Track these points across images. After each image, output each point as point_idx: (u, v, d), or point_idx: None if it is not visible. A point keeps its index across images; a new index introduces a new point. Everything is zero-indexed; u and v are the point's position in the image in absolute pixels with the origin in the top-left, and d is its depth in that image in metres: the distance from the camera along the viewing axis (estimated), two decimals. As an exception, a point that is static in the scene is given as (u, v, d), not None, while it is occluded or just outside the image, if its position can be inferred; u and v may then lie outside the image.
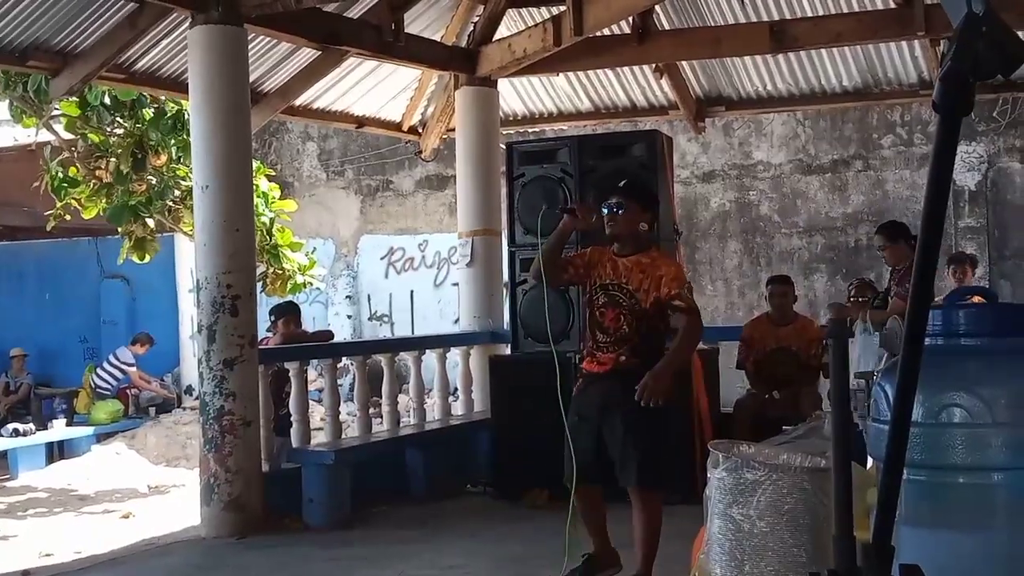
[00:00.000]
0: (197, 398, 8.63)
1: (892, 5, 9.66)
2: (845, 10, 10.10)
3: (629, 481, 5.55)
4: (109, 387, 15.65)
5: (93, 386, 15.51)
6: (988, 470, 2.75)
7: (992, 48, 1.44)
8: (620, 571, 5.81)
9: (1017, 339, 2.88)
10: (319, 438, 9.13)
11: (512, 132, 12.54)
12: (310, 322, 15.65)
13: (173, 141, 11.41)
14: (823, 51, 10.84)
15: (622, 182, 5.99)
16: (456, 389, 10.36)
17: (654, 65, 11.16)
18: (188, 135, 8.47)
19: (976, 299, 3.29)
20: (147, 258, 12.11)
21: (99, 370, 15.67)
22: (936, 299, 3.72)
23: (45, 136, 12.12)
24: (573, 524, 5.65)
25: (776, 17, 10.26)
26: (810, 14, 10.23)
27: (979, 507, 2.77)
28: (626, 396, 5.48)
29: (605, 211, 5.68)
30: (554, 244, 5.75)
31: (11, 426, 13.83)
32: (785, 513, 2.75)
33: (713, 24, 10.69)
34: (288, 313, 9.83)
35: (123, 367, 15.61)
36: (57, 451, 14.24)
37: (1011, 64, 1.47)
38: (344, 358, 10.23)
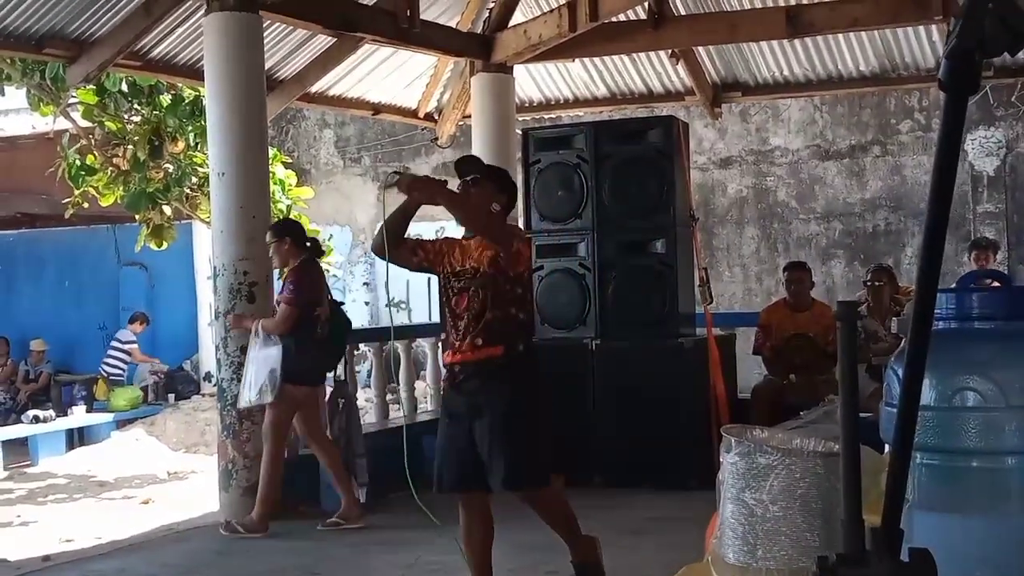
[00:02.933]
0: (215, 384, 8.65)
1: (909, -11, 9.61)
2: (862, -6, 10.03)
3: (498, 486, 5.26)
4: (120, 371, 15.78)
5: (105, 374, 15.63)
6: (1002, 454, 2.73)
7: (999, 25, 1.42)
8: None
9: (1030, 323, 2.87)
10: (337, 424, 9.14)
11: (528, 118, 12.52)
12: (327, 309, 15.68)
13: (190, 128, 11.46)
14: (840, 36, 10.77)
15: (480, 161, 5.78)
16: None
17: (670, 51, 11.12)
18: (205, 122, 8.48)
19: (989, 282, 3.27)
20: (165, 245, 12.18)
21: (107, 357, 15.82)
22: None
23: (63, 124, 12.19)
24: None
25: (792, 2, 10.20)
26: (827, -1, 10.18)
27: (993, 491, 2.75)
28: (489, 397, 5.20)
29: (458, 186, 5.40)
30: (396, 217, 5.30)
31: (31, 413, 13.95)
32: (798, 498, 2.75)
33: (729, 9, 10.64)
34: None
35: (125, 347, 15.79)
36: (77, 438, 14.35)
37: (1019, 42, 1.46)
38: (361, 344, 10.24)
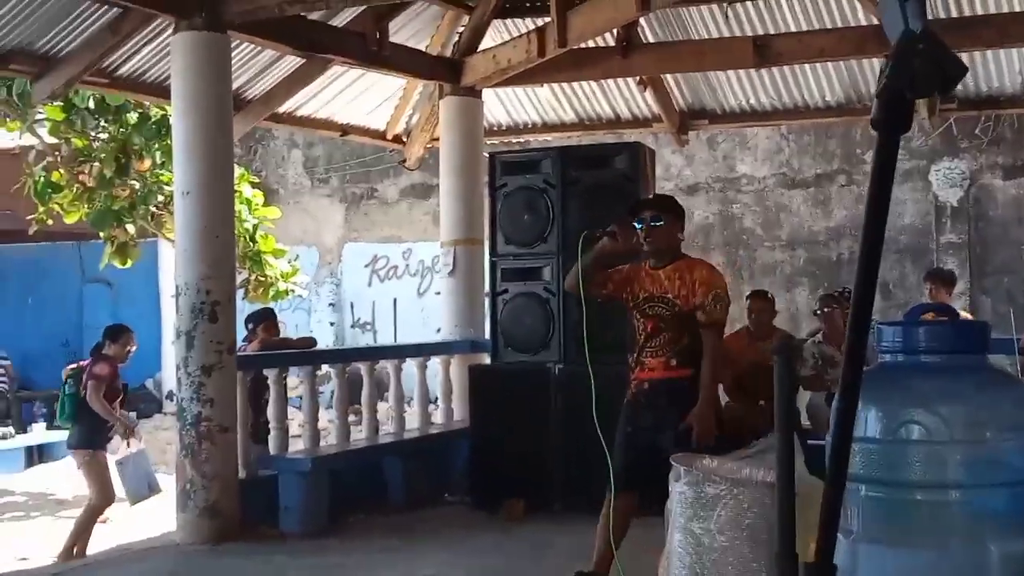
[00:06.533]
0: (177, 404, 8.62)
1: (875, 21, 9.69)
2: (828, 26, 10.13)
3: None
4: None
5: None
6: (946, 487, 2.76)
7: (929, 66, 1.45)
8: None
9: (976, 356, 2.89)
10: (298, 445, 9.12)
11: (497, 142, 12.54)
12: (293, 329, 15.66)
13: (157, 146, 11.43)
14: (806, 66, 10.87)
15: (651, 195, 6.13)
16: (437, 398, 10.35)
17: (638, 78, 11.19)
18: (172, 140, 8.47)
19: (933, 316, 3.31)
20: (129, 263, 12.12)
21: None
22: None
23: (29, 140, 12.11)
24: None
25: (760, 32, 10.29)
26: (793, 29, 10.27)
27: (937, 524, 2.78)
28: (673, 409, 5.65)
29: (639, 226, 5.73)
30: (592, 262, 5.79)
31: (-10, 429, 13.82)
32: (745, 528, 2.76)
33: (697, 38, 10.71)
34: (265, 320, 9.80)
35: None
36: (36, 455, 14.22)
37: (949, 82, 1.48)
38: (324, 365, 10.21)
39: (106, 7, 8.30)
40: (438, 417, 10.10)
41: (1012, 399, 2.91)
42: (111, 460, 9.24)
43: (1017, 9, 9.29)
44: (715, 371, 5.78)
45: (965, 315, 10.70)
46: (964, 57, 10.29)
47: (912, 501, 2.77)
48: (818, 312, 9.21)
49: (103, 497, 9.09)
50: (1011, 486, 2.84)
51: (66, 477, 12.62)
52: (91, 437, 9.10)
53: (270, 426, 8.55)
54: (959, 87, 10.98)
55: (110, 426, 9.17)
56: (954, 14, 9.62)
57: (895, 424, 2.71)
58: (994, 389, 2.88)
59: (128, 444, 9.09)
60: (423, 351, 10.20)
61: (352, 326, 16.94)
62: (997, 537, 2.76)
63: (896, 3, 1.48)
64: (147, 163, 11.45)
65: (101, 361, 9.04)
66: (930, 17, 9.57)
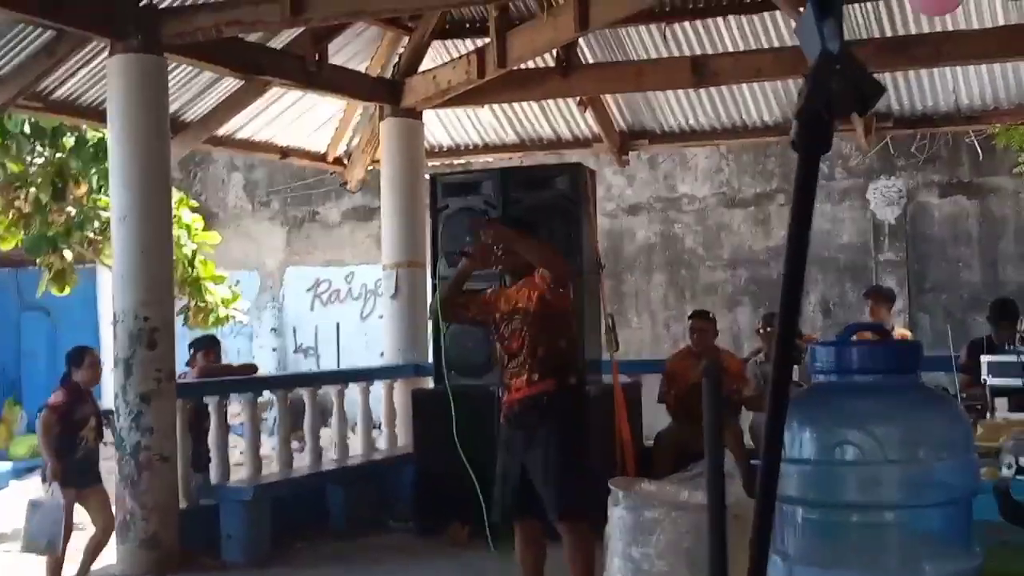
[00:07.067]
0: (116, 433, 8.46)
1: (811, 42, 9.79)
2: (765, 46, 10.21)
3: (552, 513, 5.56)
4: None
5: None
6: (880, 508, 2.76)
7: (847, 86, 1.45)
8: None
9: (909, 376, 2.90)
10: (240, 473, 9.01)
11: (438, 164, 12.52)
12: (234, 355, 15.48)
13: (94, 171, 11.28)
14: (744, 86, 10.95)
15: (512, 216, 6.13)
16: (380, 423, 10.28)
17: (578, 98, 11.23)
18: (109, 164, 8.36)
19: (867, 335, 3.32)
20: (67, 290, 11.94)
21: None
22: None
23: (-38, 166, 11.92)
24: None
25: (697, 52, 10.37)
26: (731, 49, 10.35)
27: (872, 545, 2.78)
28: (546, 430, 5.54)
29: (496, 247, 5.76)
30: (452, 285, 5.88)
31: (-75, 461, 13.52)
32: (684, 552, 2.75)
33: (636, 58, 10.77)
34: (206, 347, 9.66)
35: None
36: (-28, 486, 13.92)
37: (866, 102, 1.48)
38: (266, 392, 10.12)
39: (40, 29, 8.20)
40: (381, 442, 10.03)
41: (945, 418, 2.93)
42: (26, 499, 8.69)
43: (950, 29, 9.41)
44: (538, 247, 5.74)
45: (904, 333, 10.81)
46: (899, 76, 10.42)
47: (847, 522, 2.77)
48: (761, 331, 9.26)
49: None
50: (945, 505, 2.85)
51: (4, 510, 12.38)
52: (71, 476, 7.77)
53: (211, 454, 8.45)
54: (895, 106, 11.13)
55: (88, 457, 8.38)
56: (888, 33, 9.74)
57: (830, 444, 2.71)
58: (927, 409, 2.89)
59: (49, 489, 8.04)
60: (366, 376, 10.13)
61: (295, 351, 16.80)
62: (932, 557, 2.77)
63: (813, 23, 1.48)
64: (84, 188, 11.31)
65: (59, 389, 8.26)
66: (865, 36, 9.66)
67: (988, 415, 6.08)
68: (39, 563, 7.94)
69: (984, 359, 6.63)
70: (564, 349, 5.72)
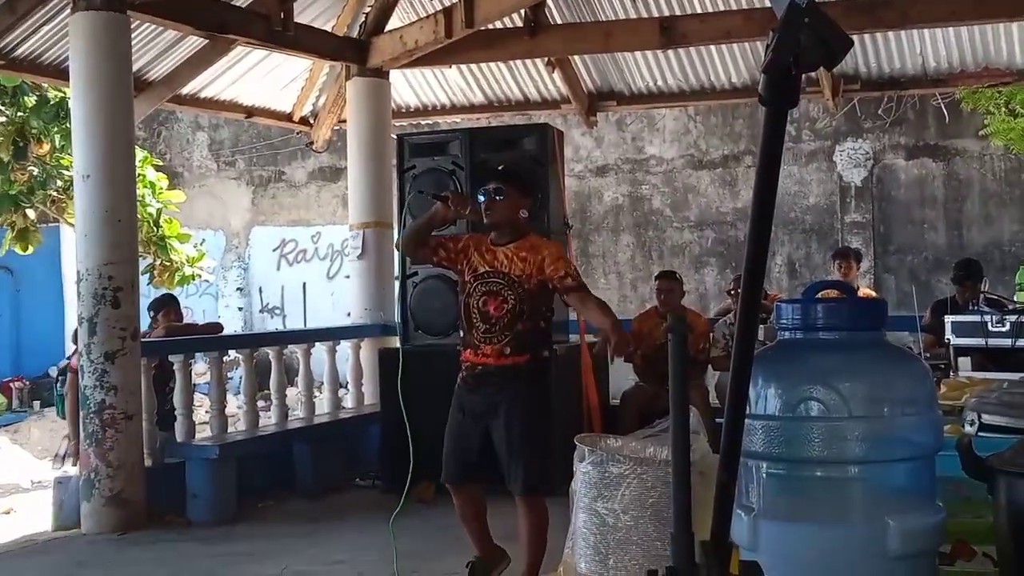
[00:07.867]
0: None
1: (780, 3, 9.78)
2: (734, 7, 10.20)
3: (517, 489, 5.33)
4: None
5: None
6: (845, 463, 2.78)
7: (814, 40, 1.44)
8: (509, 564, 5.75)
9: (873, 333, 2.93)
10: (206, 432, 9.00)
11: (406, 124, 12.47)
12: (200, 314, 15.45)
13: (56, 129, 11.19)
14: (712, 47, 10.94)
15: (500, 167, 5.89)
16: (347, 382, 10.28)
17: (546, 59, 11.19)
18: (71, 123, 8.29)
19: (833, 293, 3.34)
20: (30, 249, 11.86)
21: None
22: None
23: (-78, 124, 11.77)
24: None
25: (666, 13, 10.34)
26: (699, 11, 10.33)
27: (837, 500, 2.81)
28: (515, 400, 5.31)
29: (482, 197, 5.44)
30: (421, 225, 5.56)
31: None
32: (649, 507, 2.77)
33: (604, 19, 10.73)
34: (166, 306, 9.62)
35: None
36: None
37: (834, 56, 1.48)
38: (232, 351, 10.09)
39: (1, -14, 8.10)
40: (348, 402, 10.04)
41: (909, 375, 2.95)
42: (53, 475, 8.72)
43: (917, -9, 9.42)
44: (604, 315, 5.30)
45: (869, 292, 10.89)
46: (866, 38, 10.43)
47: (812, 478, 2.79)
48: (732, 292, 9.28)
49: None
50: (909, 461, 2.88)
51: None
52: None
53: (176, 413, 8.42)
54: (862, 68, 11.15)
55: None
56: (856, -4, 9.74)
57: (794, 401, 2.72)
58: (891, 365, 2.91)
59: (73, 462, 8.04)
60: (333, 335, 10.12)
61: (260, 311, 16.75)
62: (896, 512, 2.80)
63: (782, -23, 1.47)
64: (46, 147, 11.21)
65: (76, 352, 8.29)
66: (833, -1, 9.61)
67: (951, 374, 6.16)
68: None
69: (948, 319, 6.71)
70: (543, 328, 5.49)
